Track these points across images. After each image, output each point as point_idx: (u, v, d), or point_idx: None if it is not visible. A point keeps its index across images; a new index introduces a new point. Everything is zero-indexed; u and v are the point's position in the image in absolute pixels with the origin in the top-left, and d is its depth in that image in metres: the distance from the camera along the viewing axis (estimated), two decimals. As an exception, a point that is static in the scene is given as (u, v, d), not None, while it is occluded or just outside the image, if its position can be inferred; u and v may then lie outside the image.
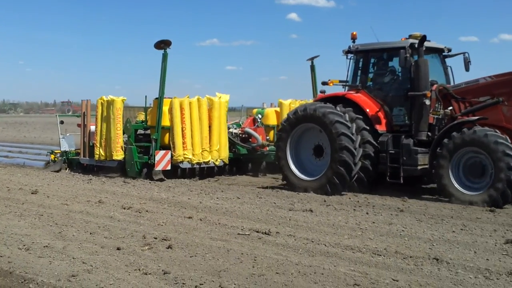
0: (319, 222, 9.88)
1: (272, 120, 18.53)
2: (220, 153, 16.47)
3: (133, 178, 15.55)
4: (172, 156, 15.58)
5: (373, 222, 9.83)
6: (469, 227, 9.47)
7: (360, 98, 13.69)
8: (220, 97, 16.63)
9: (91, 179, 15.72)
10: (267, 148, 17.34)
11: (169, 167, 15.52)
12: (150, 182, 15.10)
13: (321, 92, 14.87)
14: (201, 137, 16.06)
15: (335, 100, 13.87)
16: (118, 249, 8.00)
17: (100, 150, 16.51)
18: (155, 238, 8.63)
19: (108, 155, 16.35)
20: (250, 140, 17.66)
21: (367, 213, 10.70)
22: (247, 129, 17.62)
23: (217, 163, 16.46)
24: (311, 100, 17.84)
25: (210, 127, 16.28)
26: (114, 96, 16.47)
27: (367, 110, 13.45)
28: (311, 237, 8.71)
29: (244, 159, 17.82)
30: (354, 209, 11.11)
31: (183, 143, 15.71)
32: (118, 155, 16.14)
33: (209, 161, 16.27)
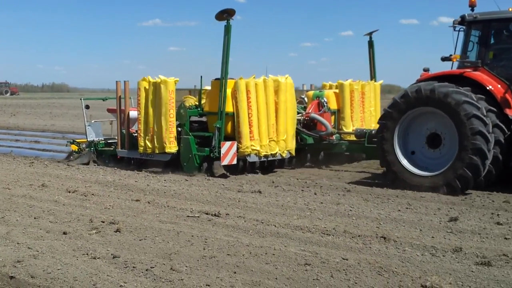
0: (268, 203, 9.91)
1: (333, 104, 15.66)
2: (286, 144, 14.05)
3: (190, 175, 13.02)
4: (237, 148, 13.16)
5: (321, 203, 9.94)
6: (414, 205, 9.69)
7: (482, 77, 11.45)
8: (286, 78, 14.11)
9: (33, 162, 15.24)
10: (334, 137, 15.00)
11: (235, 161, 13.11)
12: (95, 165, 14.79)
13: (425, 70, 12.94)
14: (268, 125, 13.64)
15: (446, 79, 11.45)
16: (65, 233, 7.81)
17: (146, 141, 13.72)
18: (103, 222, 8.47)
19: (158, 147, 13.55)
20: (314, 127, 15.11)
21: (315, 194, 10.80)
22: (314, 115, 14.93)
23: (284, 155, 14.07)
24: (370, 81, 16.85)
25: (276, 113, 13.87)
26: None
27: (493, 90, 11.22)
28: (260, 218, 8.73)
29: (308, 149, 15.32)
30: (302, 190, 11.20)
31: (250, 132, 13.25)
32: (172, 147, 13.42)
33: (276, 153, 13.81)
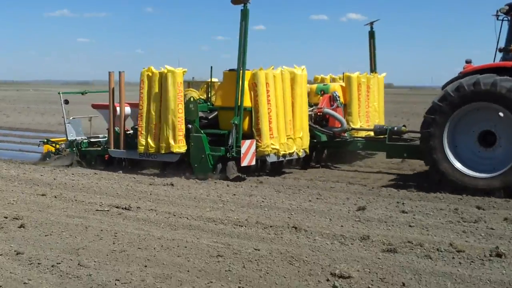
0: (180, 195, 9.81)
1: (341, 99, 14.28)
2: (303, 142, 12.74)
3: (200, 178, 11.50)
4: (256, 147, 11.75)
5: (234, 194, 9.95)
6: (324, 196, 9.89)
7: None
8: (302, 70, 12.86)
9: None
10: (346, 134, 13.73)
11: (254, 162, 11.73)
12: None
13: (467, 62, 11.73)
14: (285, 121, 12.34)
15: (491, 71, 10.55)
16: (-37, 230, 7.38)
17: (149, 140, 12.14)
18: (6, 218, 8.07)
19: (164, 147, 11.95)
20: (327, 123, 13.94)
21: (227, 186, 10.81)
22: (327, 110, 13.61)
23: (300, 154, 12.75)
24: (374, 74, 15.52)
25: (292, 108, 12.56)
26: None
27: None
28: (173, 211, 8.63)
29: (320, 147, 14.06)
30: (215, 182, 11.16)
31: (269, 129, 11.92)
32: (181, 146, 11.86)
33: (293, 152, 12.55)
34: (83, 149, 13.78)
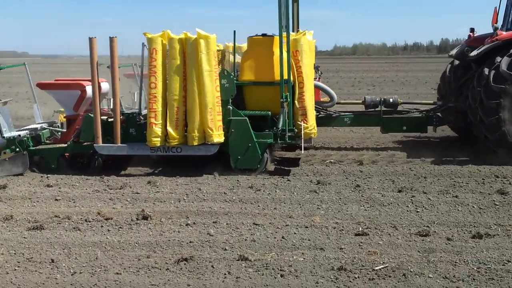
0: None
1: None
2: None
3: (246, 171, 9.08)
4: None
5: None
6: None
7: None
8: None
9: None
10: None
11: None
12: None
13: (471, 31, 11.20)
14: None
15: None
16: None
17: (169, 128, 8.90)
18: None
19: (196, 137, 8.93)
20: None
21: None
22: (317, 83, 11.04)
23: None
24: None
25: None
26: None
27: None
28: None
29: None
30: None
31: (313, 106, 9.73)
32: (221, 134, 9.03)
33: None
34: (32, 148, 9.57)
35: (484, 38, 10.99)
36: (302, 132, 9.20)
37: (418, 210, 6.91)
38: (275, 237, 6.02)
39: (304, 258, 5.41)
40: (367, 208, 7.07)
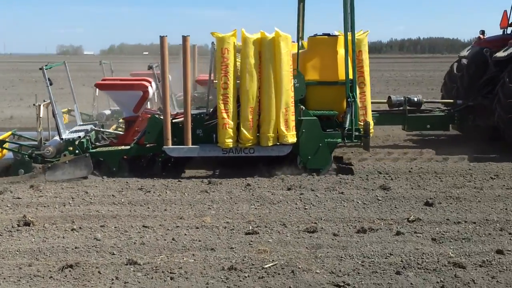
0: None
1: None
2: None
3: (311, 173, 9.00)
4: None
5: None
6: None
7: None
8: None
9: None
10: None
11: None
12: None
13: (481, 33, 11.39)
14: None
15: None
16: None
17: (243, 129, 8.76)
18: None
19: (271, 137, 8.84)
20: None
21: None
22: None
23: None
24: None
25: None
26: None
27: None
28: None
29: None
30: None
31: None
32: (293, 135, 8.94)
33: None
34: (93, 150, 9.21)
35: (499, 39, 11.66)
36: (371, 131, 9.53)
37: (306, 207, 7.08)
38: (165, 239, 5.93)
39: (194, 260, 5.37)
40: (257, 206, 7.15)
